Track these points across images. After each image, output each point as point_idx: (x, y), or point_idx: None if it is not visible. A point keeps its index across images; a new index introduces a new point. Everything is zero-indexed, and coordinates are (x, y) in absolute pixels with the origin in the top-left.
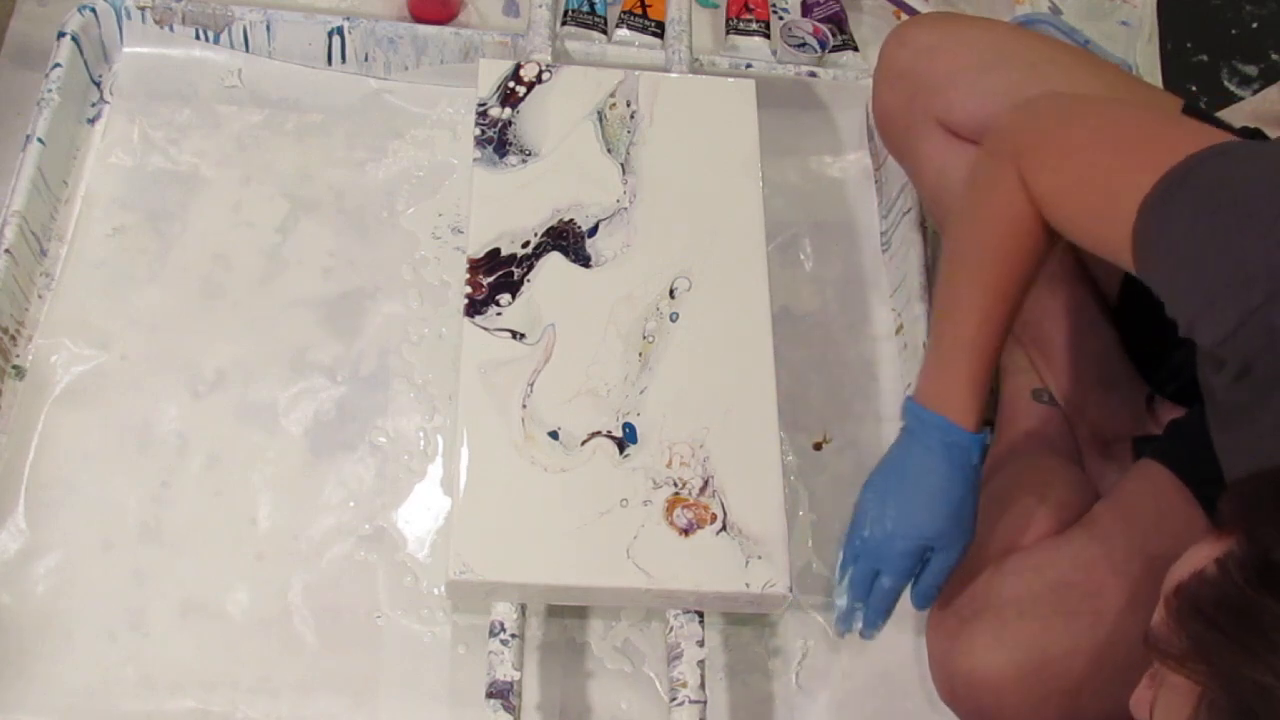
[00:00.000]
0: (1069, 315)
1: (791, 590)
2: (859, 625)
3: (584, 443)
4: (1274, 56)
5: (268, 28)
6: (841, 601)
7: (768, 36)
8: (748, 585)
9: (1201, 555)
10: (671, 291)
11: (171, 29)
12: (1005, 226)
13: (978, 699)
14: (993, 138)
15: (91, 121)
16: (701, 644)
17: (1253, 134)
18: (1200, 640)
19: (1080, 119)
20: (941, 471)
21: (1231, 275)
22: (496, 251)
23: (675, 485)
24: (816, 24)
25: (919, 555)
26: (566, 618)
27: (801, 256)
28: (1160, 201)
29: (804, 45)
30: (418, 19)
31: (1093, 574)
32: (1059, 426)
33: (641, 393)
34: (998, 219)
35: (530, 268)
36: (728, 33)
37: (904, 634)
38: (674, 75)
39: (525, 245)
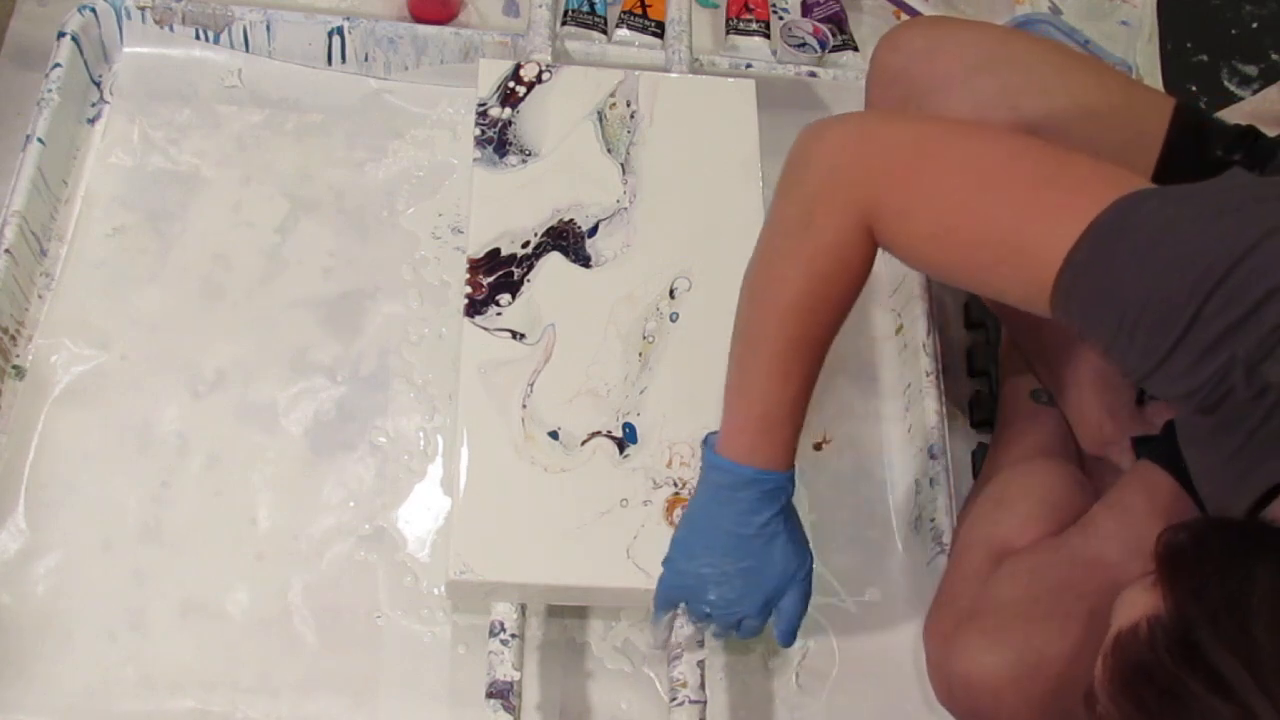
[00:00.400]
0: None
1: None
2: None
3: (584, 443)
4: (1274, 56)
5: (268, 28)
6: (714, 632)
7: (768, 36)
8: None
9: (1141, 603)
10: (671, 291)
11: (171, 29)
12: (832, 277)
13: (974, 700)
14: (826, 175)
15: (91, 121)
16: (702, 644)
17: (1245, 132)
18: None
19: (948, 161)
20: (771, 522)
21: (1197, 333)
22: (496, 251)
23: (675, 485)
24: (816, 24)
25: (776, 600)
26: (566, 618)
27: None
28: (1096, 253)
29: (804, 45)
30: (418, 19)
31: (1090, 576)
32: (1058, 427)
33: (641, 393)
34: (826, 269)
35: (530, 268)
36: (728, 33)
37: (902, 635)
38: (674, 75)
39: (525, 245)
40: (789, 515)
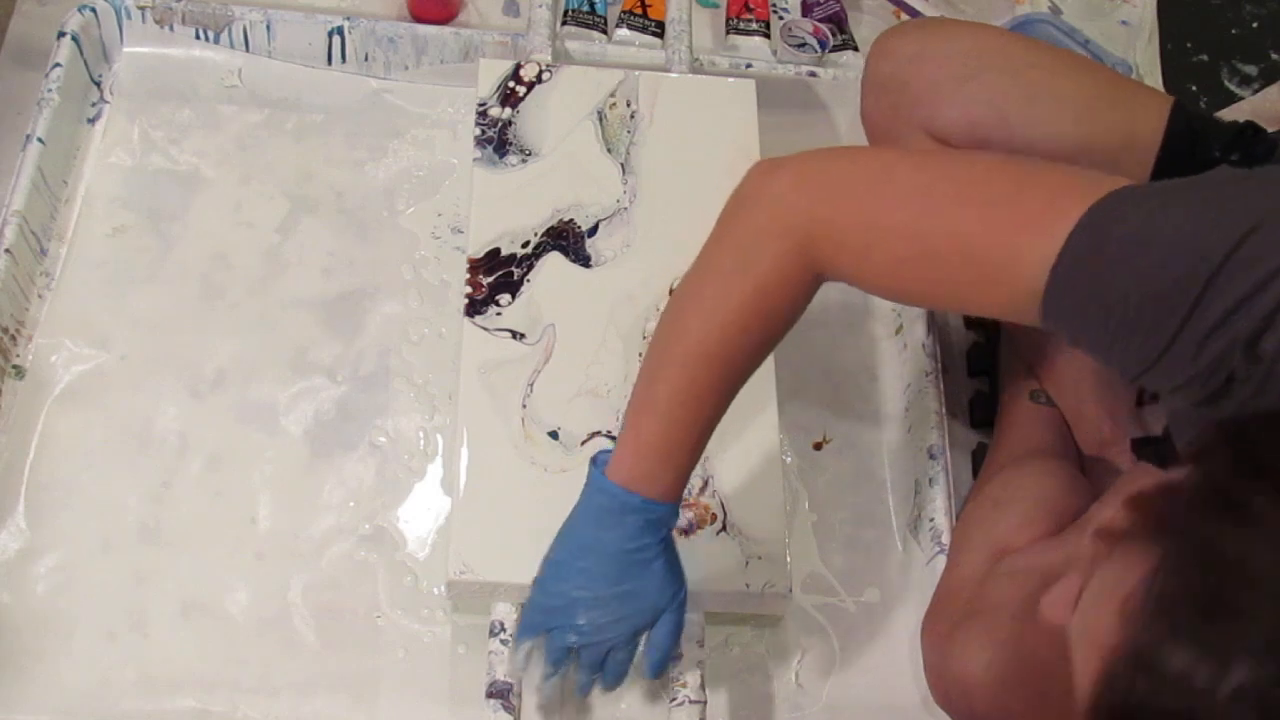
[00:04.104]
0: None
1: (791, 590)
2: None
3: (584, 443)
4: (1274, 56)
5: (268, 27)
6: (579, 676)
7: (768, 36)
8: (748, 585)
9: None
10: (671, 291)
11: (171, 29)
12: (768, 316)
13: (971, 702)
14: (771, 218)
15: (91, 121)
16: (701, 644)
17: (1243, 129)
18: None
19: (908, 186)
20: (649, 549)
21: (1196, 321)
22: (496, 251)
23: None
24: (816, 24)
25: (646, 629)
26: None
27: None
28: (1082, 257)
29: (804, 45)
30: (418, 19)
31: None
32: (1057, 428)
33: None
34: (765, 308)
35: (530, 268)
36: (728, 33)
37: (902, 635)
38: (674, 75)
39: (525, 245)
40: (668, 544)
